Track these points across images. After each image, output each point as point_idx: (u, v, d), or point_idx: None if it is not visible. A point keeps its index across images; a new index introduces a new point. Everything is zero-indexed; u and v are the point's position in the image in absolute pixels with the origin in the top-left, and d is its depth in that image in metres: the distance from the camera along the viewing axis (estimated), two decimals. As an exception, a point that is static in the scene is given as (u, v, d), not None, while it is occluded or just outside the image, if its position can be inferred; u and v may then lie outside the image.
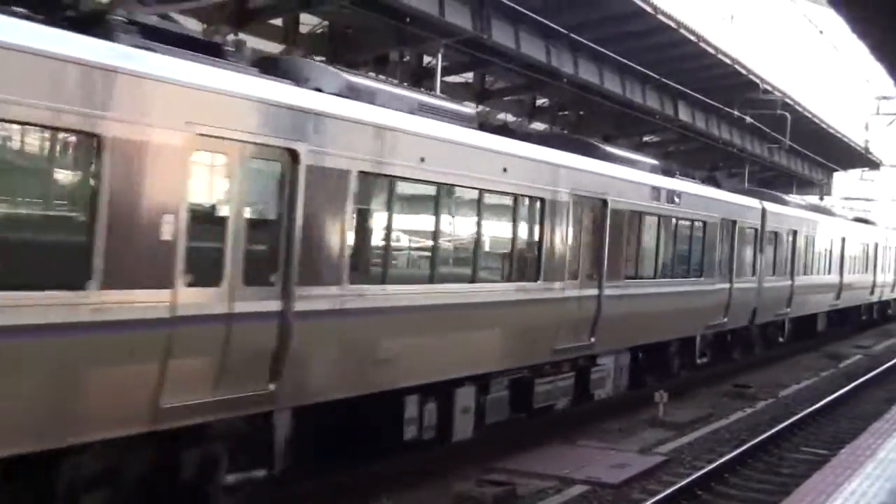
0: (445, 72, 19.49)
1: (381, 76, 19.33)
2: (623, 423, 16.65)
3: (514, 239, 13.22)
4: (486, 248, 12.83)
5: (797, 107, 32.92)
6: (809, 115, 35.00)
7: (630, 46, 22.29)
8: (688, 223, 19.00)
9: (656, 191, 17.53)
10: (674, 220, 18.35)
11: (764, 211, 23.69)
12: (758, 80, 28.72)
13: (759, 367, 24.81)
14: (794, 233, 26.34)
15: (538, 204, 13.58)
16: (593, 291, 15.03)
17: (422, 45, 18.81)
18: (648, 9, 20.54)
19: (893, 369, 25.72)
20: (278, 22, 17.62)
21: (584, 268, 14.80)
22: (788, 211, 26.66)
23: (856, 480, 10.55)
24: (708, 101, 28.22)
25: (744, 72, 27.61)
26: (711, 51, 24.77)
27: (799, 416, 17.60)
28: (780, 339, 27.06)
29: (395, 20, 16.99)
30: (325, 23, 18.52)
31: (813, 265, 28.46)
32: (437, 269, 11.59)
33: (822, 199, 45.65)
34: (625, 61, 22.78)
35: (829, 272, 30.44)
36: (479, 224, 12.30)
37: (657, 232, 17.64)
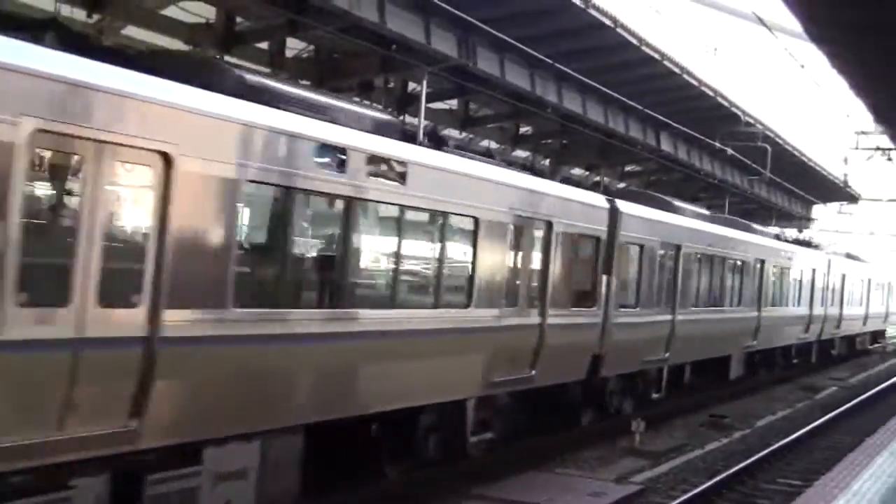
0: (430, 98, 19.60)
1: (364, 101, 19.50)
2: (601, 451, 16.71)
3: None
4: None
5: (778, 139, 33.23)
6: (790, 149, 35.32)
7: (614, 77, 22.49)
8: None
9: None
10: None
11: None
12: (740, 113, 29.00)
13: (736, 398, 24.92)
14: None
15: None
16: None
17: (407, 72, 18.94)
18: (633, 40, 20.75)
19: (868, 401, 25.87)
20: (265, 45, 17.70)
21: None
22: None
23: (829, 513, 10.65)
24: (690, 132, 28.46)
25: (726, 104, 27.88)
26: (695, 83, 25.01)
27: (774, 447, 17.69)
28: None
29: (381, 46, 17.11)
30: (312, 47, 18.62)
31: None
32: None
33: (801, 231, 45.94)
34: (609, 92, 22.97)
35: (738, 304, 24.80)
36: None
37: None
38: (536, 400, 15.57)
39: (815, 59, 16.22)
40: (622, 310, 17.40)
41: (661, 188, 29.84)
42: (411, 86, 20.19)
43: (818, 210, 54.42)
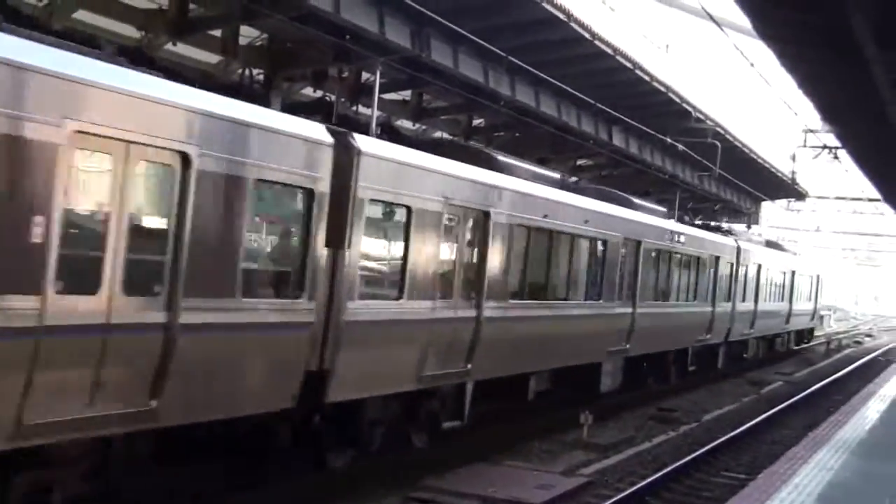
0: (383, 89, 19.55)
1: (318, 91, 19.42)
2: (549, 444, 16.80)
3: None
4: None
5: (728, 136, 33.56)
6: (739, 145, 35.69)
7: (567, 71, 22.58)
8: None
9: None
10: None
11: None
12: (690, 109, 29.23)
13: (685, 392, 25.19)
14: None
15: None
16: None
17: (361, 62, 18.87)
18: (586, 35, 20.84)
19: (812, 396, 26.28)
20: (217, 33, 17.55)
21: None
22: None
23: (771, 505, 10.80)
24: (642, 127, 28.66)
25: (677, 100, 28.09)
26: (646, 78, 25.17)
27: (720, 440, 17.91)
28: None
29: (334, 36, 17.03)
30: (265, 36, 18.50)
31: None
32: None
33: (749, 227, 46.39)
34: (561, 86, 23.06)
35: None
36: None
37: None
38: None
39: (764, 57, 16.41)
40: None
41: (612, 182, 30.01)
42: (365, 76, 20.12)
43: (768, 207, 55.17)
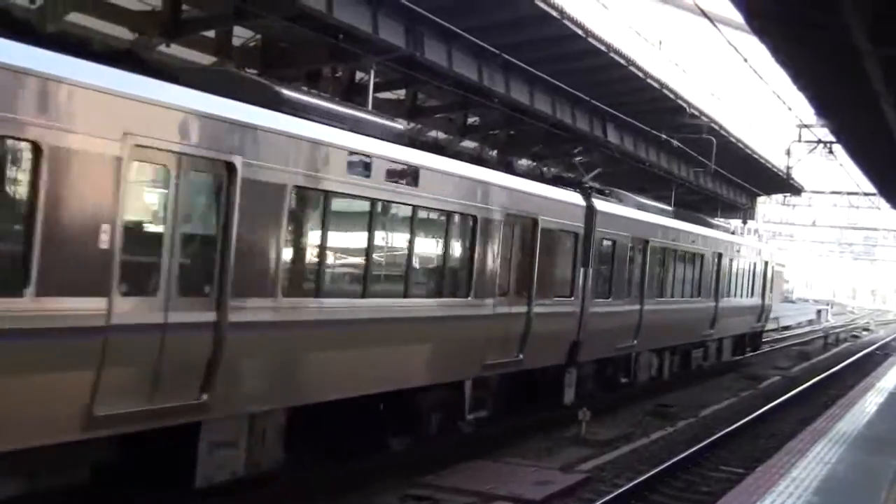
0: (378, 88, 19.58)
1: (312, 91, 19.42)
2: (547, 440, 16.82)
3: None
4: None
5: (722, 132, 33.64)
6: (734, 141, 35.77)
7: (561, 68, 22.62)
8: None
9: None
10: None
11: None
12: (685, 105, 29.30)
13: (682, 388, 25.20)
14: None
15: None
16: None
17: (355, 62, 18.89)
18: (580, 32, 20.88)
19: (809, 390, 26.31)
20: (211, 34, 17.58)
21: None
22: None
23: (769, 498, 10.82)
24: (637, 123, 28.71)
25: (671, 96, 28.15)
26: (641, 75, 25.22)
27: (718, 435, 17.93)
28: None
29: (328, 36, 17.05)
30: (258, 36, 18.52)
31: None
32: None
33: (745, 222, 46.32)
34: (556, 83, 23.10)
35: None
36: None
37: None
38: None
39: (757, 52, 16.44)
40: None
41: (608, 180, 30.07)
42: (359, 75, 20.15)
43: (764, 202, 55.27)
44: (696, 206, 41.58)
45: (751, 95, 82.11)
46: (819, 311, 74.31)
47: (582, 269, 18.23)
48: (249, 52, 18.60)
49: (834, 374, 31.06)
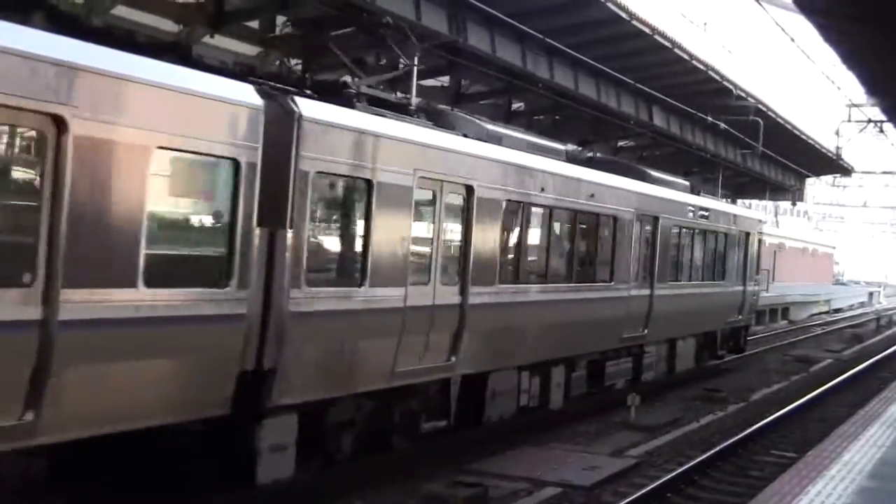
0: (421, 75, 19.54)
1: (356, 78, 19.41)
2: (595, 426, 16.77)
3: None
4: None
5: (770, 113, 33.23)
6: (782, 122, 35.33)
7: (605, 52, 22.45)
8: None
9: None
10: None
11: None
12: (731, 87, 28.98)
13: (731, 372, 25.00)
14: None
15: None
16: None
17: (398, 49, 18.84)
18: (623, 15, 20.71)
19: (862, 374, 25.99)
20: (255, 24, 17.65)
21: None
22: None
23: (821, 483, 10.70)
24: (682, 106, 28.44)
25: (717, 78, 27.85)
26: (686, 57, 24.98)
27: (768, 419, 17.78)
28: None
29: (371, 23, 17.03)
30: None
31: None
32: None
33: (794, 204, 45.79)
34: (600, 66, 22.94)
35: None
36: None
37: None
38: None
39: (805, 32, 16.21)
40: None
41: (653, 163, 29.84)
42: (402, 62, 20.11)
43: (813, 183, 54.53)
44: (743, 188, 41.22)
45: (799, 76, 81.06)
46: (871, 294, 73.40)
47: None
48: (292, 41, 18.64)
49: (887, 356, 30.66)
